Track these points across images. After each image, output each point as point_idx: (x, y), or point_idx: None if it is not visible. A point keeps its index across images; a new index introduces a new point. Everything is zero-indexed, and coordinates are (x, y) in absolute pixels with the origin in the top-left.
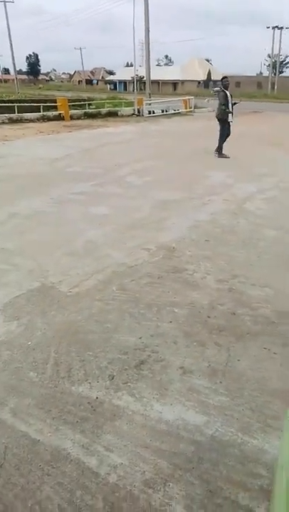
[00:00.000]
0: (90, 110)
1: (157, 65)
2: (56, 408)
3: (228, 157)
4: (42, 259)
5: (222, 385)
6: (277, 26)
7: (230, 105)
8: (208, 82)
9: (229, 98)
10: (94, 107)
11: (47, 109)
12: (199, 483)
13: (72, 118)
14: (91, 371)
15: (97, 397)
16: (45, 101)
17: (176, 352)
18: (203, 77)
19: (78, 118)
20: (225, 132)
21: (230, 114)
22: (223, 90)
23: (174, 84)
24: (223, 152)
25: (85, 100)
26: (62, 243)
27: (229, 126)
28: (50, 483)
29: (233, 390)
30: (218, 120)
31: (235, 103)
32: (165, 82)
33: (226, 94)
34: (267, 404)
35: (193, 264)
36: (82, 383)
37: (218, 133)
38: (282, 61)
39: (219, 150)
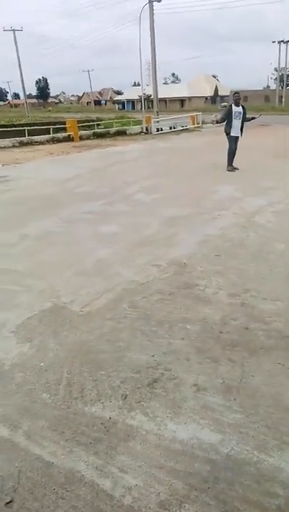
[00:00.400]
0: (99, 130)
1: (164, 83)
2: (69, 430)
3: (237, 168)
4: (53, 279)
5: (236, 402)
6: (282, 40)
7: (234, 121)
8: (215, 98)
9: (236, 113)
10: (102, 126)
11: (56, 130)
12: (215, 504)
13: (81, 138)
14: (104, 391)
15: (110, 417)
16: (55, 123)
17: (189, 369)
18: (210, 93)
19: (87, 138)
20: (230, 147)
21: (234, 129)
22: (230, 106)
23: (182, 101)
24: (232, 164)
25: (93, 121)
26: (72, 263)
27: (235, 140)
28: (64, 506)
29: (247, 407)
30: (226, 134)
31: (253, 117)
32: (172, 100)
33: (231, 110)
34: (282, 420)
35: (204, 279)
36: (95, 403)
37: (226, 147)
38: None
39: (228, 163)
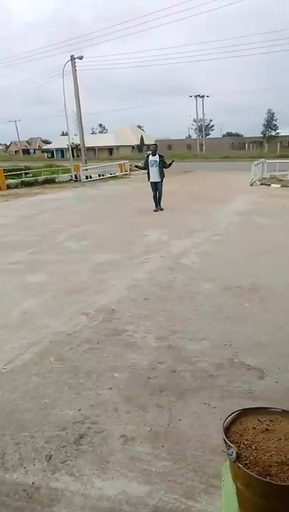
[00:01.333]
0: (27, 178)
1: (92, 133)
2: None
3: (162, 209)
4: None
5: (164, 449)
6: (198, 95)
7: (151, 168)
8: (141, 147)
9: (152, 161)
10: (31, 175)
11: None
12: None
13: (9, 187)
14: (27, 454)
15: (33, 483)
16: None
17: (117, 420)
18: (136, 142)
19: (15, 187)
20: (152, 191)
21: (151, 176)
22: (147, 156)
23: (110, 149)
24: (158, 207)
25: (21, 169)
26: None
27: (154, 185)
28: None
29: (175, 453)
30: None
31: (170, 164)
32: (101, 148)
33: (147, 160)
34: (209, 462)
35: (132, 324)
36: (16, 469)
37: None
38: (207, 125)
39: (157, 206)
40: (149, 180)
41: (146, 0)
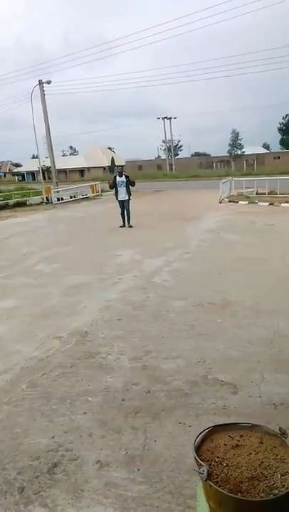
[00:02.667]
0: None
1: (63, 155)
2: None
3: (131, 226)
4: None
5: (140, 473)
6: (166, 117)
7: (119, 188)
8: (112, 168)
9: (119, 182)
10: (1, 198)
11: None
12: None
13: None
14: None
15: None
16: None
17: (91, 445)
18: (107, 163)
19: None
20: (121, 208)
21: (119, 195)
22: (115, 177)
23: (81, 171)
24: (127, 224)
25: None
26: None
27: (121, 203)
28: None
29: (151, 476)
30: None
31: (134, 183)
32: (72, 170)
33: (115, 181)
34: (185, 483)
35: (106, 346)
36: None
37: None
38: (176, 145)
39: (124, 222)
40: (117, 199)
41: (111, 26)
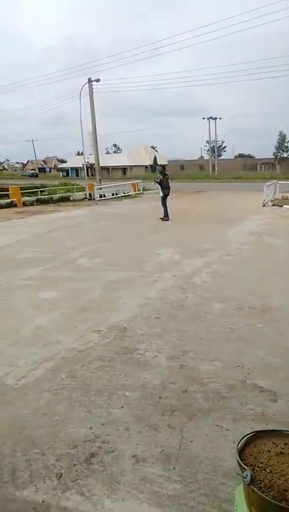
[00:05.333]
0: (43, 196)
1: (106, 153)
2: None
3: (168, 220)
4: None
5: (176, 471)
6: (211, 117)
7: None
8: (154, 167)
9: (163, 180)
10: (46, 193)
11: None
12: None
13: (25, 204)
14: (37, 471)
15: (43, 501)
16: None
17: (128, 440)
18: (149, 162)
19: (31, 204)
20: (163, 203)
21: (163, 190)
22: (160, 174)
23: (124, 169)
24: (166, 217)
25: (37, 187)
26: (8, 332)
27: (164, 198)
28: None
29: (186, 476)
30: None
31: (160, 182)
32: (115, 168)
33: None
34: (221, 486)
35: (144, 343)
36: (27, 486)
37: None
38: (220, 146)
39: (163, 216)
40: (161, 194)
41: (160, 26)
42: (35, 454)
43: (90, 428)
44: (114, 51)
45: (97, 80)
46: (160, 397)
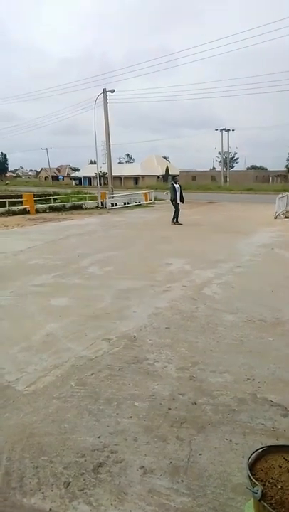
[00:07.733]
0: (55, 204)
1: (119, 162)
2: None
3: (181, 224)
4: None
5: (184, 484)
6: (224, 128)
7: (178, 193)
8: (166, 177)
9: (177, 189)
10: (59, 200)
11: (13, 203)
12: None
13: (37, 212)
14: (45, 479)
15: (50, 509)
16: (11, 196)
17: (136, 450)
18: (161, 172)
19: (44, 211)
20: (175, 209)
21: (177, 198)
22: (172, 184)
23: (136, 178)
24: (178, 221)
25: (50, 195)
26: (19, 338)
27: (177, 205)
28: None
29: (195, 489)
30: (171, 202)
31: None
32: (127, 177)
33: (174, 187)
34: (229, 501)
35: (154, 353)
36: (35, 493)
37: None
38: (232, 157)
39: (173, 220)
40: (174, 201)
41: (175, 39)
42: (43, 461)
43: (99, 437)
44: (130, 62)
45: (112, 91)
46: (169, 408)
